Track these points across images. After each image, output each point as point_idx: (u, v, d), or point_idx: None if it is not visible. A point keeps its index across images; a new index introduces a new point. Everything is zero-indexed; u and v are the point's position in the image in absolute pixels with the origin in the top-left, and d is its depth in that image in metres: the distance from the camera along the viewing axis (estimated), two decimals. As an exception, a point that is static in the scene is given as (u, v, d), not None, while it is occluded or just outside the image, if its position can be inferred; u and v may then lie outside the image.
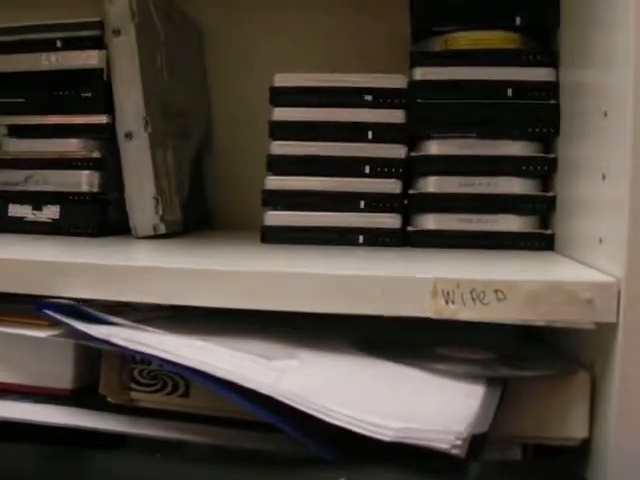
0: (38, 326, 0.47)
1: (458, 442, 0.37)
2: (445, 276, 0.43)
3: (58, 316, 0.46)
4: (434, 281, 0.43)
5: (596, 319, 0.43)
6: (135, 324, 0.46)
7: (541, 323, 0.43)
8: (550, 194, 0.61)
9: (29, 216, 0.65)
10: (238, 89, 0.78)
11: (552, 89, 0.60)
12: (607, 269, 0.45)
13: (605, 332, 0.43)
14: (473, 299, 0.43)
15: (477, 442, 0.38)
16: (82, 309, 0.46)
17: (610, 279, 0.43)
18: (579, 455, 0.46)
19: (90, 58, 0.64)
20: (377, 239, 0.61)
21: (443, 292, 0.43)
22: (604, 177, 0.47)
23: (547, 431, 0.45)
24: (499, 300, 0.43)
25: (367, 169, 0.61)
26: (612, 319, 0.43)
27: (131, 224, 0.63)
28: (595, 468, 0.45)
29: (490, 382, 0.43)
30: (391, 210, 0.61)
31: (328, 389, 0.41)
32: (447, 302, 0.43)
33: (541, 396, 0.45)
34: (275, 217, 0.62)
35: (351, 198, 0.61)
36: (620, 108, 0.45)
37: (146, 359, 0.47)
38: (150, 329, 0.46)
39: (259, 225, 0.62)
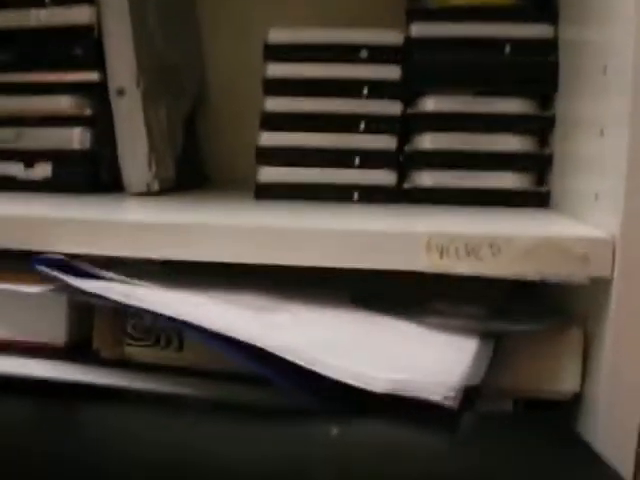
0: (31, 281, 0.47)
1: (451, 394, 0.37)
2: (440, 230, 0.43)
3: (51, 271, 0.46)
4: (428, 235, 0.43)
5: (591, 274, 0.43)
6: (127, 279, 0.46)
7: (535, 278, 0.43)
8: (547, 151, 0.60)
9: (20, 174, 0.64)
10: (232, 46, 0.77)
11: (551, 46, 0.60)
12: (603, 225, 0.45)
13: (599, 287, 0.43)
14: (468, 253, 0.43)
15: (469, 394, 0.38)
16: (75, 264, 0.46)
17: (605, 235, 0.43)
18: (571, 409, 0.47)
19: (80, 14, 0.62)
20: (372, 196, 0.60)
21: (437, 246, 0.43)
22: (602, 133, 0.47)
23: (539, 385, 0.46)
24: (494, 255, 0.43)
25: (362, 125, 0.61)
26: (607, 274, 0.43)
27: (124, 181, 0.62)
28: (586, 422, 0.45)
29: (483, 336, 0.44)
30: (386, 167, 0.61)
31: (321, 342, 0.41)
32: (441, 256, 0.43)
33: (534, 350, 0.45)
34: (269, 173, 0.61)
35: (346, 154, 0.61)
36: (620, 63, 0.44)
37: (139, 313, 0.46)
38: (143, 283, 0.46)
39: (253, 183, 0.62)
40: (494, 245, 0.43)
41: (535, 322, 0.46)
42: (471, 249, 0.42)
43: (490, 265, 0.43)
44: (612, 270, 0.43)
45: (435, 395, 0.37)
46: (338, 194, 0.60)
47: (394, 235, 0.43)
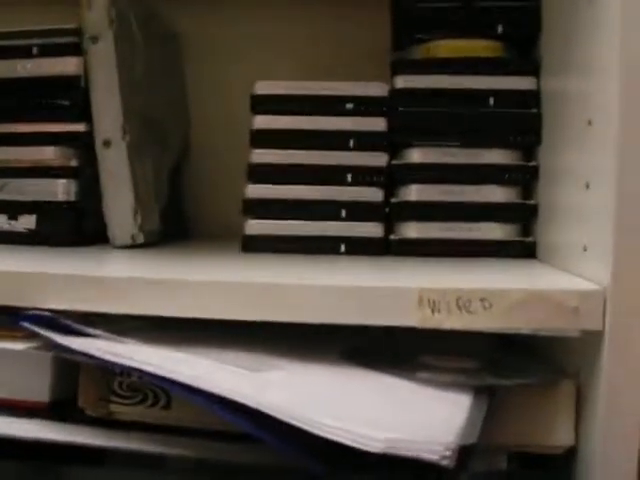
0: (15, 338, 0.46)
1: (447, 453, 0.36)
2: (430, 285, 0.43)
3: (35, 328, 0.45)
4: (419, 290, 0.43)
5: (582, 327, 0.43)
6: (113, 335, 0.45)
7: (527, 332, 0.43)
8: (532, 202, 0.61)
9: (4, 226, 0.63)
10: (218, 98, 0.77)
11: (533, 97, 0.61)
12: (592, 277, 0.45)
13: (591, 340, 0.43)
14: (459, 308, 0.42)
15: (465, 453, 0.37)
16: (59, 320, 0.45)
17: (595, 287, 0.43)
18: (565, 463, 0.46)
19: (67, 65, 0.63)
20: (359, 248, 0.60)
21: (429, 301, 0.42)
22: (588, 186, 0.47)
23: (533, 439, 0.45)
24: (485, 309, 0.42)
25: (349, 177, 0.61)
26: (598, 327, 0.42)
27: (109, 233, 0.62)
28: (581, 476, 0.45)
29: (477, 391, 0.43)
30: (373, 219, 0.61)
31: (314, 401, 0.40)
32: (433, 311, 0.42)
33: (527, 404, 0.45)
34: (256, 226, 0.61)
35: (333, 207, 0.61)
36: (605, 116, 0.45)
37: (125, 371, 0.45)
38: (129, 340, 0.45)
39: (239, 234, 0.61)
40: (485, 299, 0.42)
41: (527, 376, 0.46)
42: (462, 304, 0.42)
43: (482, 319, 0.42)
44: (603, 322, 0.42)
45: (432, 455, 0.36)
46: (325, 246, 0.60)
47: (385, 291, 0.43)
